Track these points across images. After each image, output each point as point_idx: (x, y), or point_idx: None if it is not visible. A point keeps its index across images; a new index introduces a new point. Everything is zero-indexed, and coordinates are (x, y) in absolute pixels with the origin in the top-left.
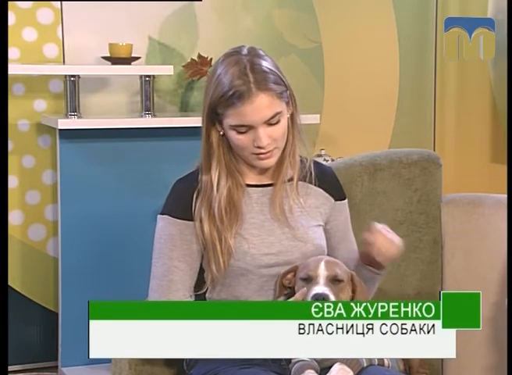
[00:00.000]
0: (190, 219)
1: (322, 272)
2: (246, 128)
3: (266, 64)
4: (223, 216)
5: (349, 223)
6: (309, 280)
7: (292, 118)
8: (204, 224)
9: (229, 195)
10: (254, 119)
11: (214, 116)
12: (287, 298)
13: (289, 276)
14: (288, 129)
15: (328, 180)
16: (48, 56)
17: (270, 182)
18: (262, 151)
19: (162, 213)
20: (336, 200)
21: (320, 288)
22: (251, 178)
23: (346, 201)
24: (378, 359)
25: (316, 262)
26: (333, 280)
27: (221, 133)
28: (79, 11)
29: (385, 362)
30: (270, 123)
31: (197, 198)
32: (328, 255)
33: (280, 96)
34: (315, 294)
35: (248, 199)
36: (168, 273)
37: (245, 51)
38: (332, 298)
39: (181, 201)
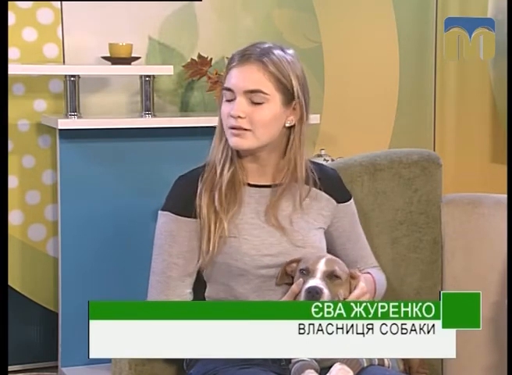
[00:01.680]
0: (191, 216)
1: (321, 267)
2: (230, 94)
3: (285, 60)
4: (223, 200)
5: (355, 222)
6: (307, 273)
7: (300, 123)
8: (203, 205)
9: (232, 180)
10: (235, 84)
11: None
12: (286, 290)
13: (294, 265)
14: (293, 133)
15: (330, 183)
16: (48, 56)
17: (270, 183)
18: (233, 122)
19: (163, 209)
20: (339, 202)
21: (315, 281)
22: (252, 177)
23: (350, 201)
24: (378, 359)
25: (318, 257)
26: (330, 276)
27: None
28: (79, 11)
29: (385, 362)
30: (252, 99)
31: (202, 182)
32: (336, 255)
33: (277, 83)
34: (309, 287)
35: (249, 199)
36: (168, 270)
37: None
38: (326, 292)
39: (182, 198)
